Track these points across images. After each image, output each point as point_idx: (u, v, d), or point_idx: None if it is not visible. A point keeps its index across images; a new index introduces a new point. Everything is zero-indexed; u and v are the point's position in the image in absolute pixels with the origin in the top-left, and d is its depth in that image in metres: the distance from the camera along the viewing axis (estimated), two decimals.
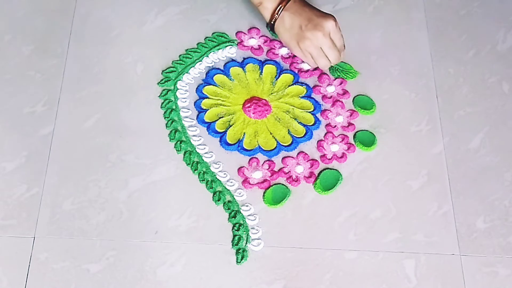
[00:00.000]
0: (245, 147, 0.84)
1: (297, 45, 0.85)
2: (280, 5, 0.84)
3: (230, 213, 0.79)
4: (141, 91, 0.88)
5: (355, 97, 0.88)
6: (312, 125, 0.86)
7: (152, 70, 0.89)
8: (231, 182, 0.81)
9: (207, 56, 0.91)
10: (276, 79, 0.89)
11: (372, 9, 0.97)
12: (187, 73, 0.89)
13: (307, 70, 0.90)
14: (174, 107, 0.86)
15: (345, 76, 0.90)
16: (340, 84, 0.89)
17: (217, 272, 0.75)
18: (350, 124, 0.86)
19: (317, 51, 0.84)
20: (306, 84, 0.89)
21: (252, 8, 0.94)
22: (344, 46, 0.86)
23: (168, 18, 0.94)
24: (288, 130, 0.85)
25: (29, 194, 0.79)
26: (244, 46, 0.92)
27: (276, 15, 0.85)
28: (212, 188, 0.80)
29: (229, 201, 0.80)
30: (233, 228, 0.78)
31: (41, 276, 0.74)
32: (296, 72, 0.90)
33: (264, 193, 0.81)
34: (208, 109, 0.86)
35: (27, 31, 0.92)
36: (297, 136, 0.85)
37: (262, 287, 0.75)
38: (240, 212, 0.79)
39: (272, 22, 0.86)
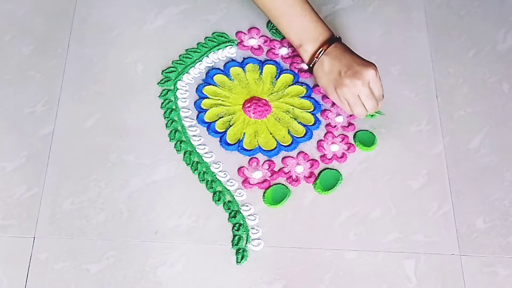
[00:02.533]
0: (245, 147, 0.84)
1: (334, 91, 0.81)
2: (321, 49, 0.81)
3: (230, 213, 0.79)
4: (141, 91, 0.88)
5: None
6: (312, 125, 0.86)
7: (152, 70, 0.89)
8: (231, 182, 0.81)
9: (207, 56, 0.91)
10: (276, 79, 0.89)
11: (372, 9, 0.97)
12: (187, 73, 0.89)
13: (307, 70, 0.90)
14: (174, 107, 0.86)
15: None
16: None
17: (217, 272, 0.75)
18: (350, 124, 0.86)
19: (355, 99, 0.80)
20: (306, 84, 0.89)
21: (252, 8, 0.94)
22: (383, 96, 0.82)
23: (168, 18, 0.94)
24: (288, 130, 0.85)
25: (29, 194, 0.79)
26: (244, 46, 0.92)
27: (316, 58, 0.82)
28: (212, 188, 0.80)
29: (229, 201, 0.80)
30: (233, 228, 0.78)
31: (41, 276, 0.74)
32: (296, 72, 0.90)
33: (264, 193, 0.81)
34: (208, 109, 0.86)
35: (27, 31, 0.92)
36: (297, 136, 0.85)
37: (262, 287, 0.75)
38: (240, 212, 0.79)
39: (311, 65, 0.83)
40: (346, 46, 0.82)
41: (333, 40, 0.82)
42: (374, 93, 0.80)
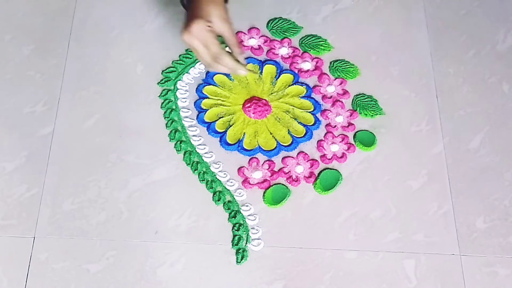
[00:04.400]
0: (245, 147, 0.84)
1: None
2: None
3: (230, 213, 0.79)
4: (141, 91, 0.88)
5: (355, 96, 0.88)
6: (312, 125, 0.86)
7: (152, 70, 0.89)
8: (231, 182, 0.81)
9: None
10: (276, 79, 0.89)
11: (372, 9, 0.97)
12: (187, 73, 0.89)
13: (307, 70, 0.90)
14: (174, 107, 0.86)
15: (345, 76, 0.90)
16: (340, 84, 0.89)
17: (217, 272, 0.75)
18: (350, 124, 0.86)
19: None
20: (306, 84, 0.89)
21: (252, 8, 0.94)
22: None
23: (168, 18, 0.94)
24: (288, 130, 0.85)
25: (29, 194, 0.79)
26: (244, 46, 0.92)
27: None
28: (212, 188, 0.80)
29: (229, 201, 0.80)
30: (233, 228, 0.78)
31: (41, 276, 0.74)
32: (296, 72, 0.90)
33: (264, 193, 0.81)
34: (208, 109, 0.86)
35: (27, 31, 0.92)
36: (297, 136, 0.85)
37: (262, 287, 0.75)
38: (240, 212, 0.79)
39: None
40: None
41: None
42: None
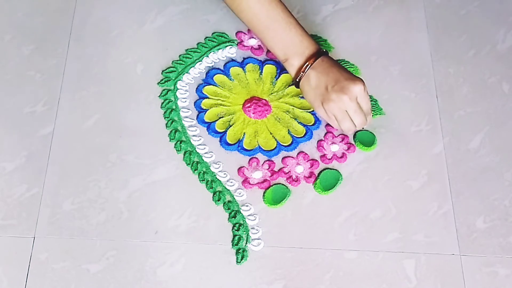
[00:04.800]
0: (245, 147, 0.84)
1: (321, 106, 0.79)
2: (308, 63, 0.79)
3: (230, 213, 0.79)
4: (141, 91, 0.88)
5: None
6: (312, 125, 0.86)
7: (152, 70, 0.89)
8: (231, 182, 0.81)
9: (207, 56, 0.91)
10: (276, 79, 0.89)
11: (372, 9, 0.97)
12: (187, 73, 0.89)
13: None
14: (174, 107, 0.86)
15: None
16: None
17: (217, 272, 0.75)
18: None
19: (342, 114, 0.79)
20: None
21: None
22: (372, 110, 0.82)
23: (168, 18, 0.94)
24: (288, 130, 0.85)
25: (29, 194, 0.79)
26: (244, 46, 0.92)
27: (302, 73, 0.80)
28: (212, 188, 0.80)
29: (229, 201, 0.80)
30: (233, 228, 0.78)
31: (41, 276, 0.74)
32: None
33: (264, 193, 0.81)
34: (208, 109, 0.86)
35: (27, 31, 0.92)
36: (297, 136, 0.85)
37: (262, 287, 0.75)
38: (240, 212, 0.79)
39: (297, 80, 0.81)
40: (333, 60, 0.80)
41: (319, 53, 0.80)
42: (362, 107, 0.79)
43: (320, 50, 0.81)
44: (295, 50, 0.80)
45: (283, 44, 0.81)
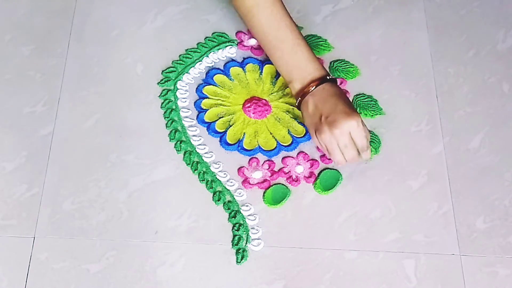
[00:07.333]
0: (245, 147, 0.84)
1: (314, 134, 0.78)
2: (307, 89, 0.78)
3: (230, 213, 0.79)
4: (141, 91, 0.88)
5: (355, 96, 0.88)
6: None
7: (152, 70, 0.89)
8: (231, 182, 0.81)
9: (207, 56, 0.91)
10: (276, 79, 0.89)
11: (372, 9, 0.97)
12: (187, 73, 0.89)
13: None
14: (174, 107, 0.86)
15: (345, 76, 0.90)
16: (340, 84, 0.89)
17: (217, 272, 0.75)
18: None
19: (332, 146, 0.77)
20: None
21: None
22: (369, 146, 0.78)
23: (168, 18, 0.94)
24: (288, 130, 0.85)
25: (29, 194, 0.79)
26: (244, 46, 0.92)
27: (300, 97, 0.79)
28: (212, 188, 0.80)
29: (229, 201, 0.80)
30: (233, 228, 0.78)
31: (41, 276, 0.74)
32: None
33: (264, 193, 0.81)
34: (208, 109, 0.86)
35: (27, 31, 0.92)
36: (297, 136, 0.85)
37: (262, 287, 0.75)
38: (240, 212, 0.79)
39: (297, 103, 0.81)
40: (337, 89, 0.78)
41: (323, 80, 0.78)
42: (356, 143, 0.76)
43: (325, 77, 0.79)
44: (299, 74, 0.80)
45: (288, 66, 0.80)
